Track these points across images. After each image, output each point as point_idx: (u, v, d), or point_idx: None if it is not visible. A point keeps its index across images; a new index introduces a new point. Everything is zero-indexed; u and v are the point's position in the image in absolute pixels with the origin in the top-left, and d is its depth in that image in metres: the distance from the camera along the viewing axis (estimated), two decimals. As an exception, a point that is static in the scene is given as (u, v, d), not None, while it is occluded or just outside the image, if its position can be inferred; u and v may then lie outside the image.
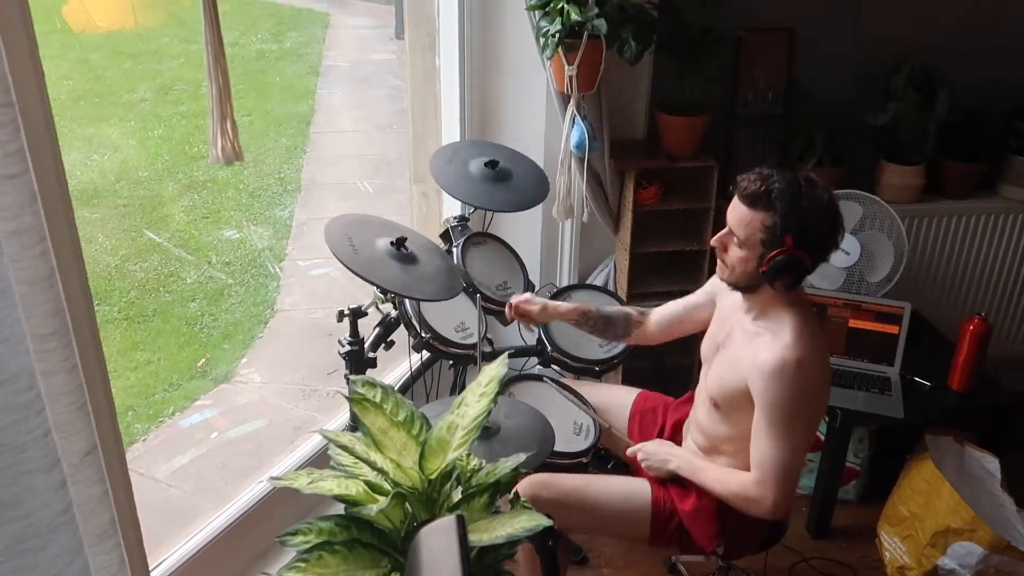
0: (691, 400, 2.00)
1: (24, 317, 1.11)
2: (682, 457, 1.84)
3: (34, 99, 1.18)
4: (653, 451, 1.88)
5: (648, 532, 1.86)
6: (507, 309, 2.04)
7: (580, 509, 1.83)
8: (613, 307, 2.09)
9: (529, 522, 1.30)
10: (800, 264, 1.62)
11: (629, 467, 2.08)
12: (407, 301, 2.02)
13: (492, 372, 1.46)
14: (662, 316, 2.04)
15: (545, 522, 1.30)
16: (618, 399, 2.12)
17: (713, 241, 1.74)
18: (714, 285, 1.92)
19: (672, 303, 2.05)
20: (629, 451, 1.94)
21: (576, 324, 2.05)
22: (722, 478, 1.78)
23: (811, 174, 1.65)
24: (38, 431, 1.15)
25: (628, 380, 2.69)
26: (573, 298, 2.32)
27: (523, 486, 1.82)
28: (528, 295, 2.06)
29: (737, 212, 1.66)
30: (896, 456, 2.55)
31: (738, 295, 1.77)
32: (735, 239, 1.67)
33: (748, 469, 1.76)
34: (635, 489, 1.87)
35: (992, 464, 2.38)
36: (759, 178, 1.62)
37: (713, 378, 1.81)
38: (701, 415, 1.87)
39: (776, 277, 1.64)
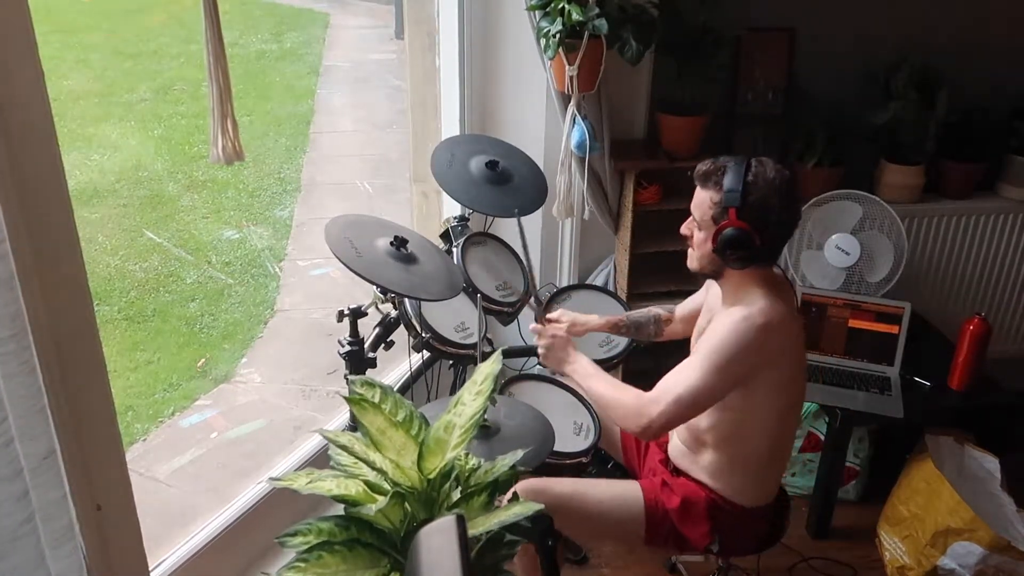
0: None
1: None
2: (579, 362, 1.83)
3: (34, 99, 1.18)
4: (553, 345, 1.86)
5: (643, 533, 1.86)
6: (538, 328, 1.94)
7: (576, 514, 1.82)
8: (638, 312, 2.12)
9: (522, 509, 1.30)
10: (746, 236, 1.62)
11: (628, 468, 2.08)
12: (407, 301, 2.02)
13: (487, 369, 1.45)
14: (684, 311, 2.08)
15: (536, 506, 1.30)
16: None
17: (682, 229, 1.78)
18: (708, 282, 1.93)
19: (688, 299, 2.09)
20: (531, 327, 1.91)
21: (612, 333, 2.13)
22: (618, 388, 1.76)
23: (767, 158, 1.67)
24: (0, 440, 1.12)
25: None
26: (573, 298, 2.35)
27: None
28: (559, 312, 2.06)
29: (695, 196, 1.72)
30: (896, 456, 2.54)
31: (718, 288, 1.79)
32: (695, 223, 1.72)
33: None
34: (628, 492, 1.86)
35: (992, 464, 2.38)
36: (712, 161, 1.69)
37: None
38: None
39: (725, 251, 1.66)
